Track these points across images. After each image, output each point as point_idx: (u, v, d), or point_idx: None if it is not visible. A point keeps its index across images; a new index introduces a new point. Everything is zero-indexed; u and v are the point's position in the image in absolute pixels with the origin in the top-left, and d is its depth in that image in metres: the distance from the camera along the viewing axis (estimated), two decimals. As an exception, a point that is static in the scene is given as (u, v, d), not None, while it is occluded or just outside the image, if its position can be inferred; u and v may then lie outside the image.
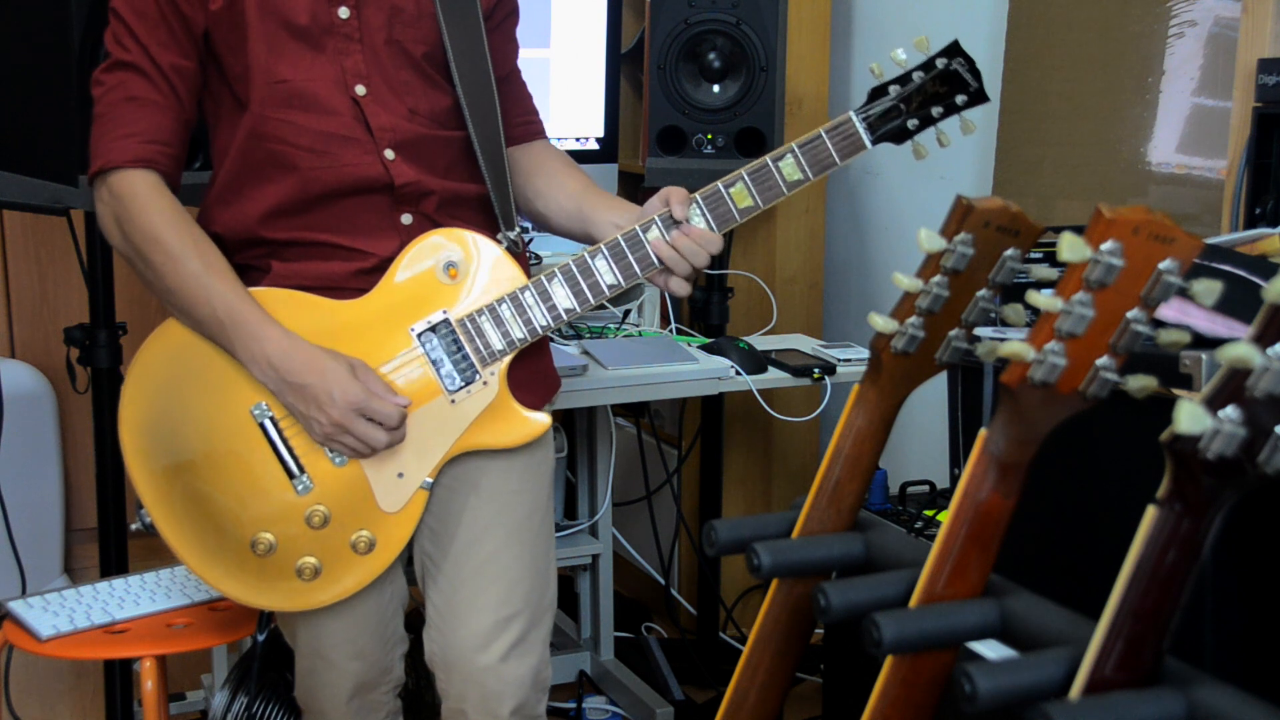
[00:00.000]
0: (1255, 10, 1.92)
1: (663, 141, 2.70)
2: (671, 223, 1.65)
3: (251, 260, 1.66)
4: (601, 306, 2.73)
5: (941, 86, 1.64)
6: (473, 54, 1.71)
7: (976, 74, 1.65)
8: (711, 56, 2.67)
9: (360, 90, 1.65)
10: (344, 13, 1.64)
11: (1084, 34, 2.42)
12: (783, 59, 2.68)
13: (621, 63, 2.85)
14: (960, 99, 1.65)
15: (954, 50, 1.65)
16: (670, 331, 2.78)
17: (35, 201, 2.12)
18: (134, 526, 1.76)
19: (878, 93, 1.65)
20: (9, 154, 2.16)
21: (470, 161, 1.72)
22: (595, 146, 2.79)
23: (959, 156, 2.80)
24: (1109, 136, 2.36)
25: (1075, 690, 0.96)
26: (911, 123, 1.65)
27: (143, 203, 1.60)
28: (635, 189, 3.48)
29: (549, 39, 2.72)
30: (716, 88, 2.69)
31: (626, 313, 2.75)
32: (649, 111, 2.71)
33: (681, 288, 1.67)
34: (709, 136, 2.68)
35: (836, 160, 1.65)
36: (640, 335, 2.70)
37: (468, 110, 1.70)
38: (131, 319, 2.41)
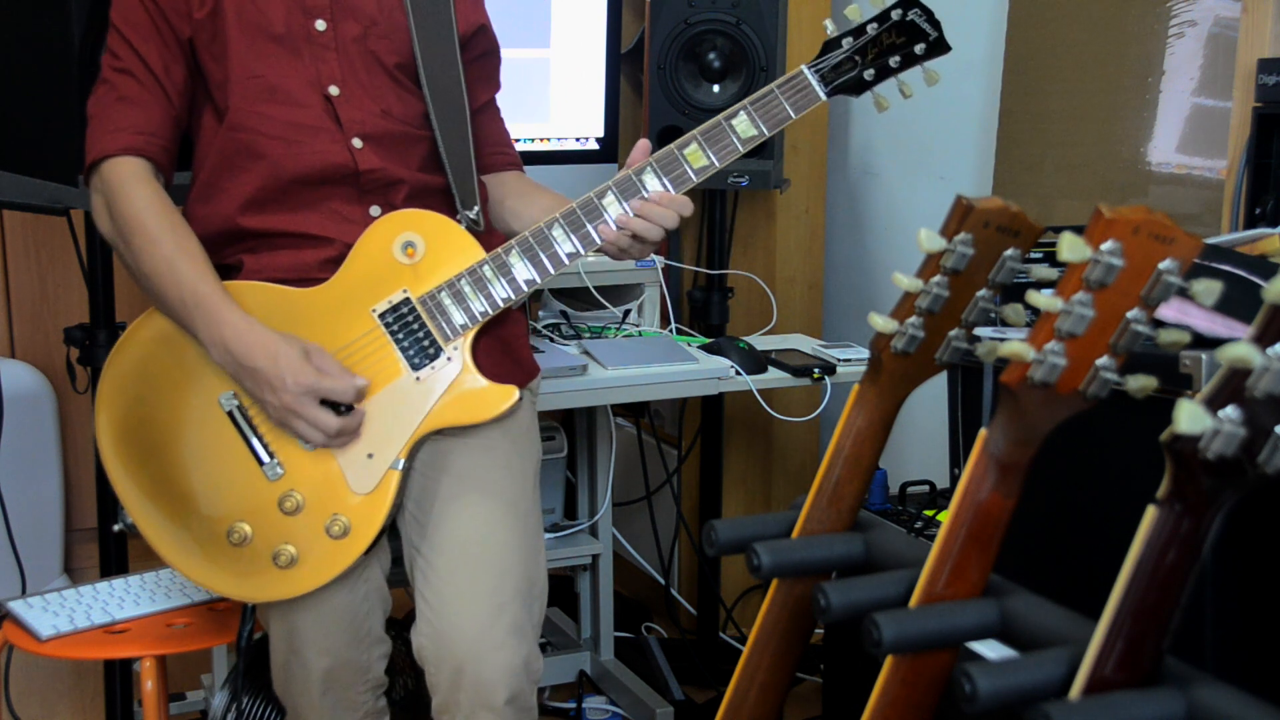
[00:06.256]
0: (1255, 10, 1.92)
1: (663, 141, 2.67)
2: (630, 187, 1.66)
3: (226, 259, 1.71)
4: (600, 306, 2.74)
5: (898, 37, 1.63)
6: (443, 62, 1.76)
7: (935, 23, 1.64)
8: (711, 56, 2.67)
9: (334, 90, 1.70)
10: (320, 25, 1.70)
11: (1084, 34, 2.42)
12: (783, 59, 2.68)
13: (621, 63, 2.85)
14: (919, 48, 1.64)
15: (909, 1, 1.63)
16: (670, 331, 2.78)
17: (35, 201, 2.12)
18: (116, 528, 1.77)
19: (831, 45, 1.65)
20: (9, 154, 2.16)
21: (441, 159, 1.76)
22: (595, 146, 2.79)
23: (959, 156, 2.80)
24: (1109, 136, 2.36)
25: (1075, 690, 0.96)
26: (868, 74, 1.64)
27: (129, 188, 1.66)
28: (635, 189, 3.48)
29: (549, 39, 2.71)
30: (716, 88, 2.69)
31: (626, 313, 2.75)
32: (649, 111, 2.70)
33: (643, 252, 1.69)
34: (709, 136, 2.67)
35: (790, 114, 1.66)
36: (640, 335, 2.70)
37: (434, 110, 1.74)
38: (131, 319, 2.39)
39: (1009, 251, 1.18)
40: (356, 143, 1.69)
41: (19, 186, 2.14)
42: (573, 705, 2.78)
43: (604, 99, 2.77)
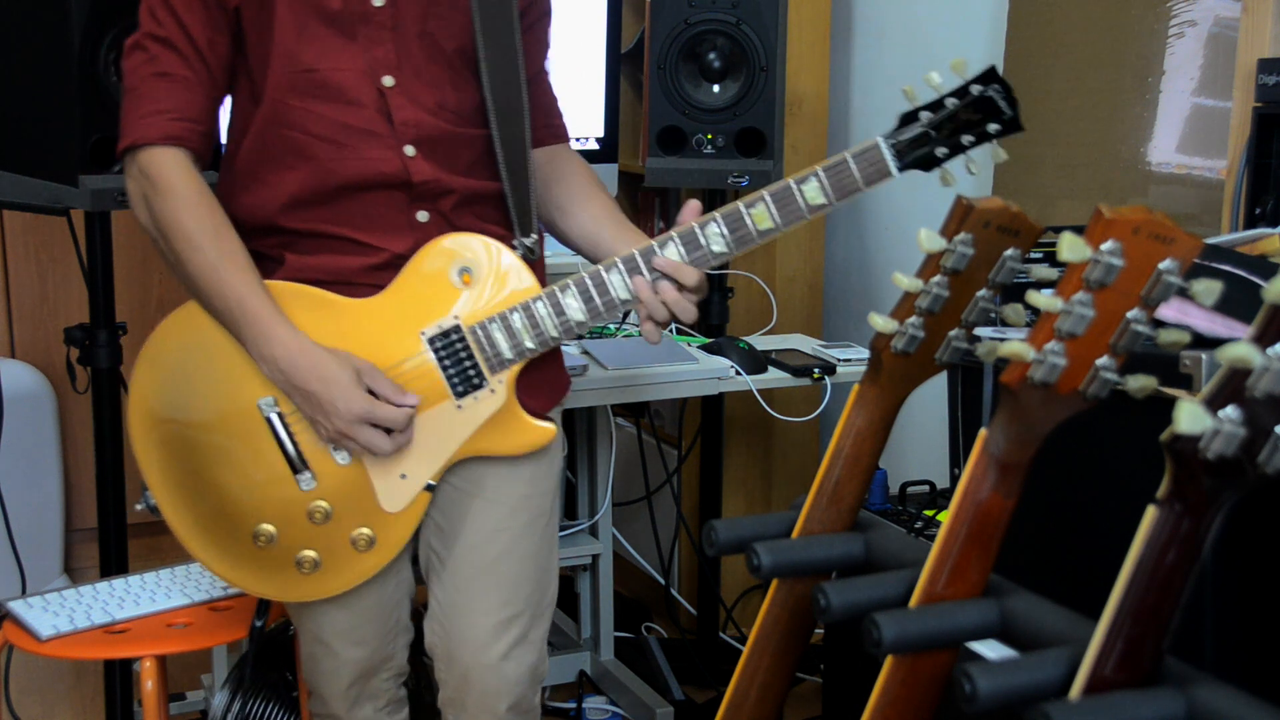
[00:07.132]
0: (1255, 10, 1.92)
1: (663, 141, 2.70)
2: (691, 239, 1.60)
3: (266, 249, 1.66)
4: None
5: (975, 114, 1.56)
6: (504, 53, 1.68)
7: (1013, 101, 1.56)
8: (711, 56, 2.67)
9: (388, 81, 1.63)
10: (379, 1, 1.62)
11: (1084, 34, 2.42)
12: (783, 59, 2.67)
13: (621, 63, 2.85)
14: (993, 127, 1.56)
15: (990, 76, 1.55)
16: (670, 331, 2.78)
17: (35, 201, 2.12)
18: (138, 506, 1.76)
19: (908, 118, 1.57)
20: (9, 154, 2.16)
21: (493, 160, 1.70)
22: (595, 146, 2.79)
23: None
24: (1109, 136, 2.36)
25: (1075, 690, 0.96)
26: (941, 150, 1.57)
27: (168, 184, 1.59)
28: (635, 189, 3.48)
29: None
30: (716, 88, 2.69)
31: (627, 313, 2.75)
32: (649, 111, 2.70)
33: (654, 334, 1.64)
34: (709, 136, 2.68)
35: (861, 186, 1.58)
36: (640, 335, 2.69)
37: (493, 110, 1.67)
38: (131, 319, 2.41)
39: (1009, 251, 1.18)
40: (409, 150, 1.63)
41: (19, 186, 2.14)
42: (573, 705, 2.78)
43: (604, 99, 2.77)
